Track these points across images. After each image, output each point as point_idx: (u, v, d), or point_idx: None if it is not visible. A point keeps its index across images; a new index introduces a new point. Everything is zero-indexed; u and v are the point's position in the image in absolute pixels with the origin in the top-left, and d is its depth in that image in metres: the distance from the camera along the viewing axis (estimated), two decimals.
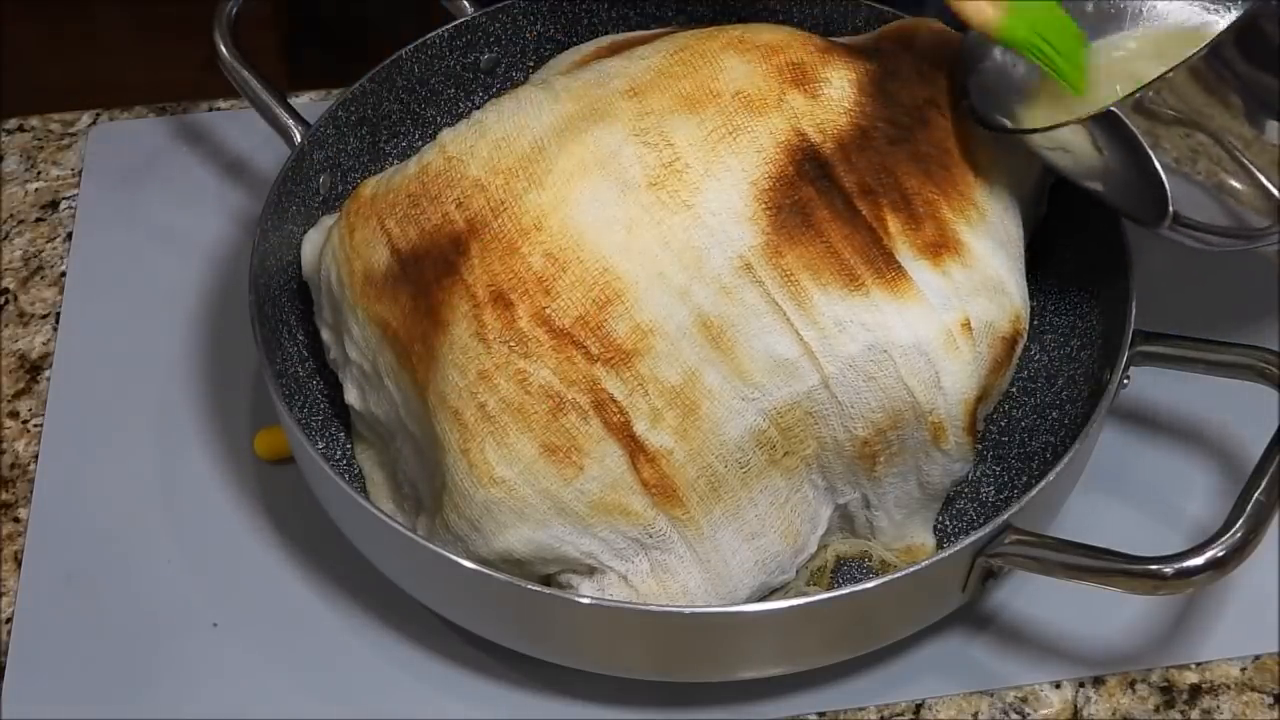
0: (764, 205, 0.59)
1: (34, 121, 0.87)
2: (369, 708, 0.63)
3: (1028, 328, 0.63)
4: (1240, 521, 0.54)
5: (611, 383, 0.56)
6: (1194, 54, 0.53)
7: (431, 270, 0.59)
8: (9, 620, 0.65)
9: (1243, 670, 0.64)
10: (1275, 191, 0.57)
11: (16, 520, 0.69)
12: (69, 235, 0.81)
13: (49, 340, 0.76)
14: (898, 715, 0.63)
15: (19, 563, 0.67)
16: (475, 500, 0.57)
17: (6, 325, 0.77)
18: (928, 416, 0.59)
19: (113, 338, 0.76)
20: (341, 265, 0.62)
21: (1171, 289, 0.77)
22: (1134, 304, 0.63)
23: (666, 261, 0.57)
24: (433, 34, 0.75)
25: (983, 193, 0.62)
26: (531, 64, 0.79)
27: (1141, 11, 0.65)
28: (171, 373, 0.74)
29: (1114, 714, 0.63)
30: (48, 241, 0.81)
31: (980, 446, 0.67)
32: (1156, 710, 0.63)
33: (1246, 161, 0.56)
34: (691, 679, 0.62)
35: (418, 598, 0.62)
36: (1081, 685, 0.63)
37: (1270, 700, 0.63)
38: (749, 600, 0.61)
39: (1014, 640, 0.64)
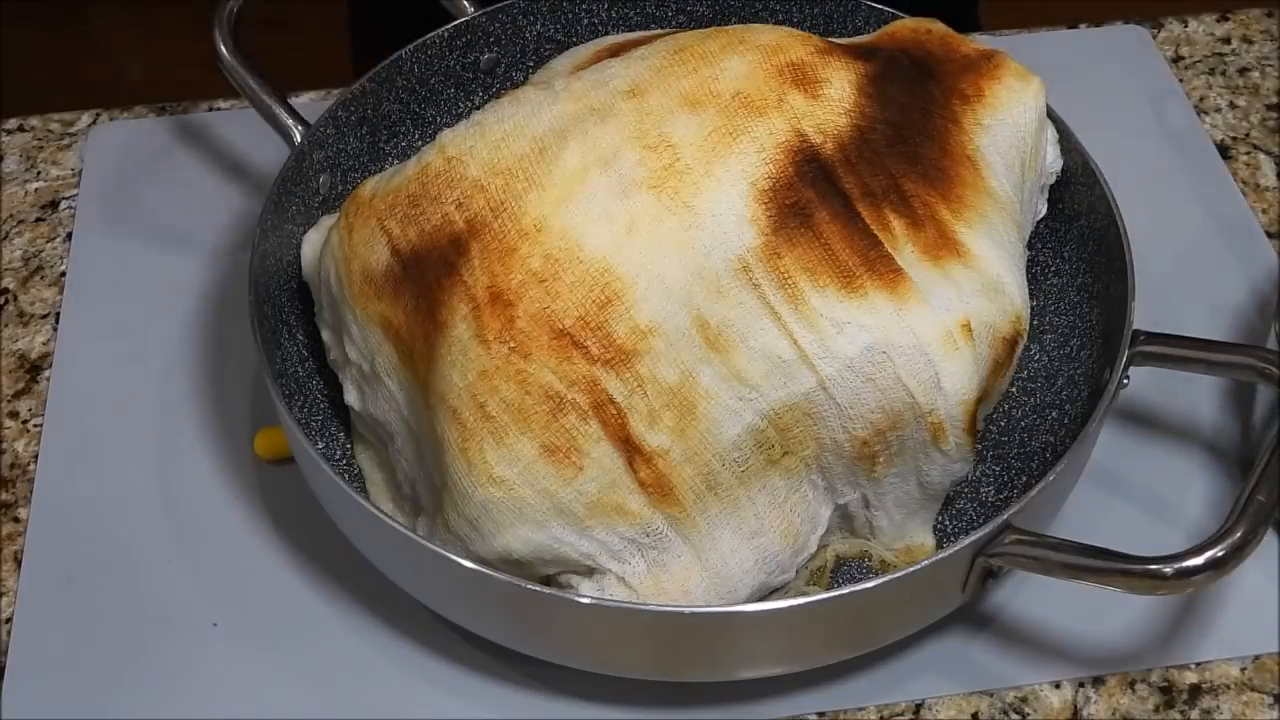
0: (763, 206, 0.59)
1: (34, 121, 0.87)
2: (369, 708, 0.63)
3: (1028, 328, 0.63)
4: (1240, 521, 0.54)
5: (611, 383, 0.56)
6: None
7: (432, 271, 0.59)
8: (9, 620, 0.65)
9: (1242, 670, 0.64)
10: None
11: (16, 520, 0.69)
12: (69, 235, 0.81)
13: (49, 340, 0.76)
14: (898, 715, 0.63)
15: (19, 563, 0.67)
16: (474, 500, 0.57)
17: (6, 325, 0.77)
18: (927, 417, 0.59)
19: (113, 338, 0.76)
20: (340, 265, 0.62)
21: (1171, 289, 0.77)
22: (1134, 304, 0.63)
23: (666, 262, 0.57)
24: (433, 34, 0.75)
25: (982, 194, 0.62)
26: (531, 64, 0.79)
27: None
28: (171, 373, 0.74)
29: (1114, 714, 0.63)
30: (48, 241, 0.81)
31: (980, 446, 0.67)
32: (1156, 710, 0.63)
33: None
34: (691, 679, 0.62)
35: (418, 598, 0.62)
36: (1081, 685, 0.63)
37: (1270, 700, 0.63)
38: (748, 600, 0.61)
39: (1014, 640, 0.64)
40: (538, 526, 0.57)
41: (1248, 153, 0.85)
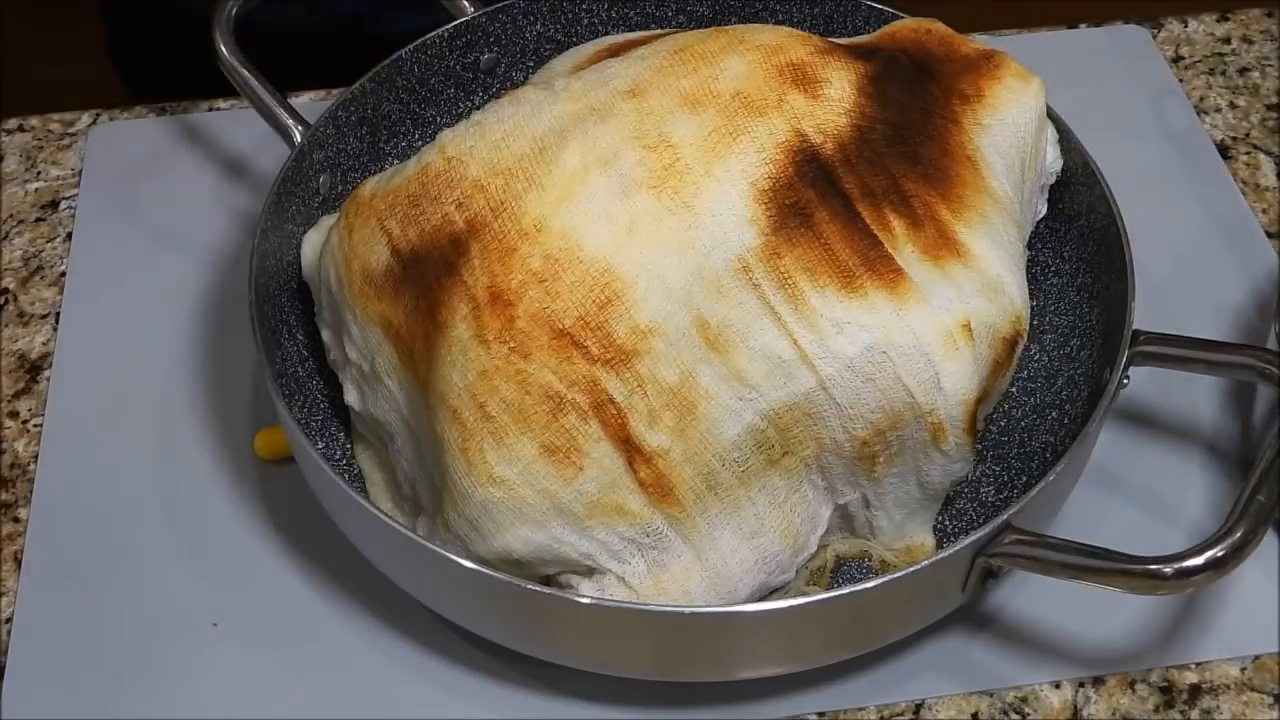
0: (763, 206, 0.59)
1: (34, 121, 0.87)
2: (369, 707, 0.63)
3: (1028, 328, 0.63)
4: (1240, 521, 0.54)
5: (611, 383, 0.56)
6: None
7: (432, 271, 0.59)
8: (9, 620, 0.65)
9: (1243, 670, 0.64)
10: None
11: (16, 520, 0.69)
12: (69, 235, 0.81)
13: (49, 340, 0.76)
14: (898, 715, 0.63)
15: (19, 563, 0.67)
16: (474, 500, 0.57)
17: (6, 325, 0.77)
18: (927, 417, 0.59)
19: (113, 338, 0.76)
20: (340, 265, 0.62)
21: (1171, 289, 0.77)
22: (1134, 304, 0.63)
23: (666, 262, 0.57)
24: (433, 34, 0.75)
25: (982, 194, 0.62)
26: (531, 64, 0.79)
27: None
28: (171, 373, 0.74)
29: (1114, 714, 0.63)
30: (48, 241, 0.81)
31: (980, 446, 0.67)
32: (1156, 710, 0.63)
33: None
34: (691, 679, 0.62)
35: (418, 598, 0.62)
36: (1081, 685, 0.63)
37: (1270, 700, 0.63)
38: (748, 600, 0.61)
39: (1014, 640, 0.64)
40: (538, 526, 0.57)
41: (1248, 153, 0.85)
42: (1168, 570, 0.53)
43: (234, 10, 0.72)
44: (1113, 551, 0.55)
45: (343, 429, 0.70)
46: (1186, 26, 0.92)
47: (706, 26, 0.68)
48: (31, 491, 0.70)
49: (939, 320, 0.59)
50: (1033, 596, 0.65)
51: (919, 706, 0.63)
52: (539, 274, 0.57)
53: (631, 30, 0.77)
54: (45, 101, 0.92)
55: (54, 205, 0.83)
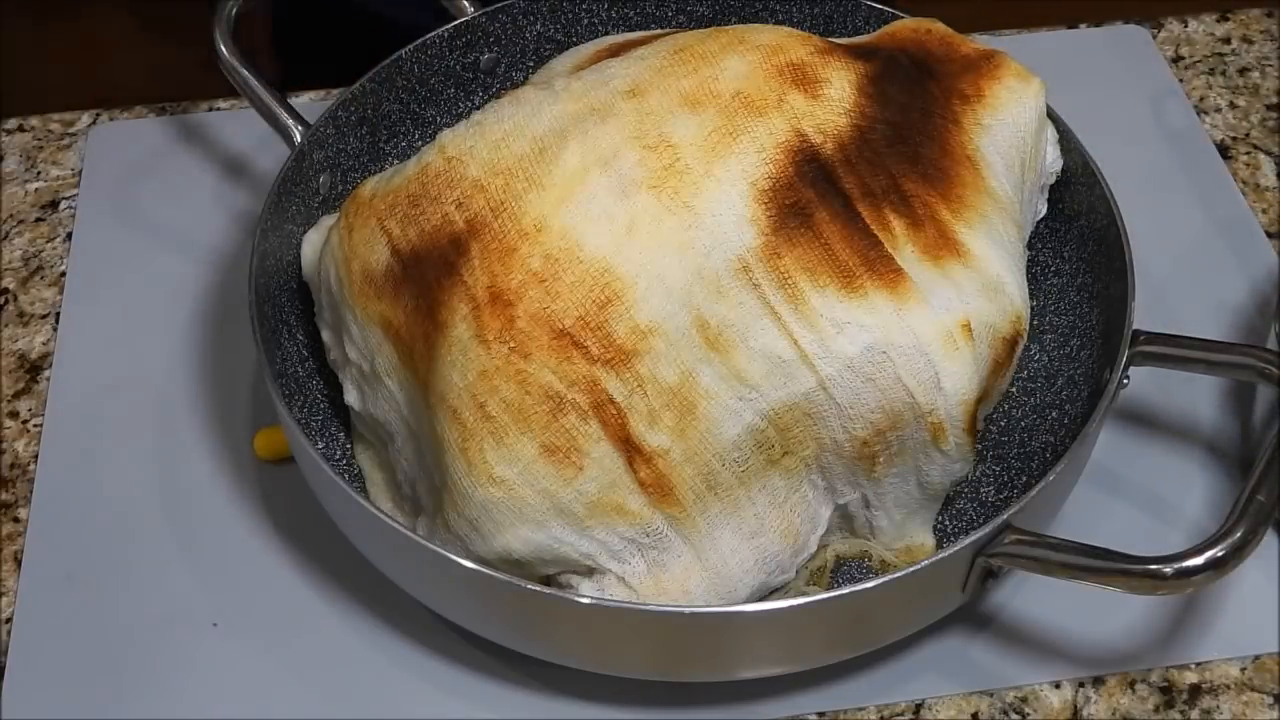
0: (764, 206, 0.59)
1: (34, 121, 0.87)
2: (369, 707, 0.63)
3: (1028, 328, 0.63)
4: (1240, 521, 0.54)
5: (611, 383, 0.56)
6: None
7: (432, 271, 0.59)
8: (9, 620, 0.65)
9: (1242, 670, 0.64)
10: None
11: (16, 520, 0.69)
12: (69, 235, 0.81)
13: (49, 340, 0.76)
14: (898, 715, 0.63)
15: (19, 563, 0.67)
16: (474, 500, 0.57)
17: (6, 325, 0.77)
18: (927, 417, 0.59)
19: (113, 338, 0.76)
20: (340, 265, 0.62)
21: (1171, 289, 0.77)
22: (1134, 304, 0.63)
23: (666, 262, 0.57)
24: (433, 34, 0.75)
25: (982, 194, 0.62)
26: (531, 64, 0.79)
27: None
28: (171, 373, 0.74)
29: (1114, 714, 0.63)
30: (48, 241, 0.81)
31: (980, 446, 0.67)
32: (1156, 710, 0.63)
33: None
34: (691, 679, 0.62)
35: (418, 598, 0.62)
36: (1081, 685, 0.63)
37: (1270, 700, 0.63)
38: (749, 600, 0.61)
39: (1014, 640, 0.64)
40: (538, 526, 0.57)
41: (1248, 153, 0.85)
42: (1168, 570, 0.53)
43: (234, 10, 0.72)
44: (1113, 551, 0.55)
45: (343, 429, 0.70)
46: (1186, 26, 0.92)
47: (706, 26, 0.68)
48: (31, 491, 0.70)
49: (939, 320, 0.59)
50: (1033, 596, 0.65)
51: (919, 706, 0.63)
52: (539, 274, 0.57)
53: (631, 30, 0.77)
54: (45, 101, 0.92)
55: (54, 205, 0.83)
